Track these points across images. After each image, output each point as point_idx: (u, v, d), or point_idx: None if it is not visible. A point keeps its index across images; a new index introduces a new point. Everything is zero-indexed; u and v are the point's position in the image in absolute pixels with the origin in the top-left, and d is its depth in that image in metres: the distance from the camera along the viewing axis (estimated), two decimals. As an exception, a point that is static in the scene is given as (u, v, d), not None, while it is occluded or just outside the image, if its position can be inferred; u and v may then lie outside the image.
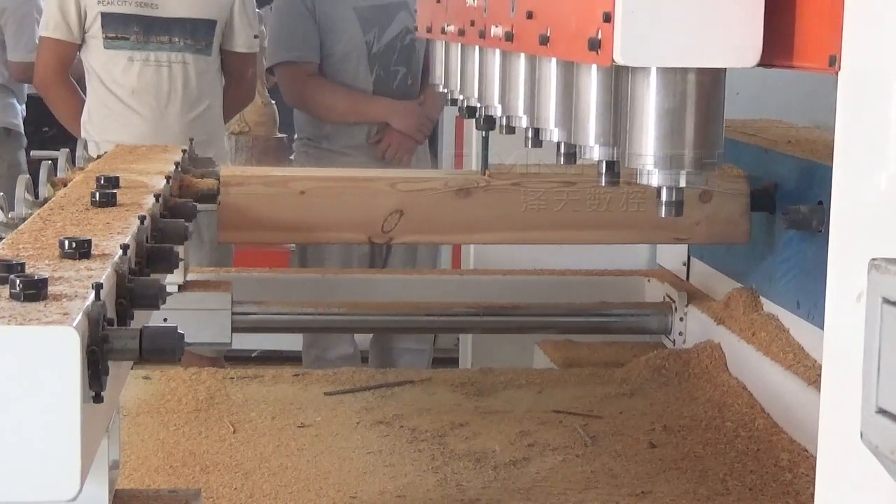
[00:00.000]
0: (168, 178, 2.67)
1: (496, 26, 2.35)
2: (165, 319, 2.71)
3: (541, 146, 2.37)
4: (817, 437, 1.50)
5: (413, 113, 5.28)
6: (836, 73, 1.47)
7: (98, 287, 1.57)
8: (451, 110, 4.46)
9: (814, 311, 3.05)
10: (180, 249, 2.35)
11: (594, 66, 1.93)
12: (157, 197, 2.34)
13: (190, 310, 3.26)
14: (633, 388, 3.37)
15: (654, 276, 3.94)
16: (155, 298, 1.82)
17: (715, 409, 3.15)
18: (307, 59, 5.23)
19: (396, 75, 5.32)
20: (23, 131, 6.99)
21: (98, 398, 1.52)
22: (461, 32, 2.72)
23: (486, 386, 3.41)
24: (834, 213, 1.48)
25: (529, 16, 2.09)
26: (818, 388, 1.74)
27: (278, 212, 3.32)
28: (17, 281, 1.54)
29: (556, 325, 3.75)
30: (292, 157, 5.63)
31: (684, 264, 3.97)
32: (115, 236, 1.96)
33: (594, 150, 1.97)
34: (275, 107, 6.94)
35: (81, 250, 1.79)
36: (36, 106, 6.46)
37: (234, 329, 3.38)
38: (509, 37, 2.24)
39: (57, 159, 2.89)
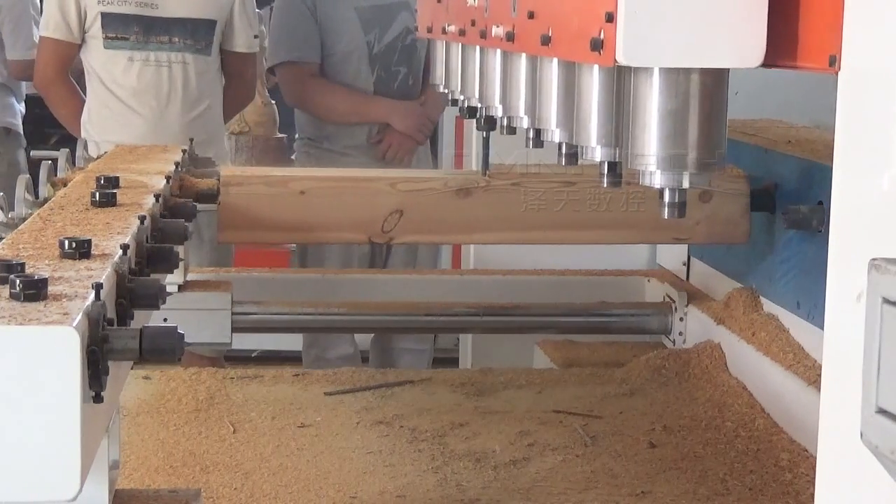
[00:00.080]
0: (168, 178, 2.66)
1: (497, 26, 2.35)
2: (165, 319, 2.71)
3: (542, 147, 2.37)
4: (817, 437, 1.50)
5: (414, 113, 5.27)
6: (836, 73, 1.47)
7: (98, 287, 1.57)
8: (452, 110, 4.45)
9: (814, 311, 3.05)
10: (180, 249, 2.35)
11: (596, 67, 1.92)
12: (157, 197, 2.34)
13: (190, 310, 3.26)
14: (633, 388, 3.37)
15: (654, 276, 3.94)
16: (155, 298, 1.82)
17: (715, 409, 3.15)
18: (308, 59, 5.23)
19: (397, 76, 5.31)
20: (21, 131, 6.97)
21: (98, 398, 1.52)
22: (462, 32, 2.72)
23: (486, 386, 3.41)
24: (834, 213, 1.48)
25: (531, 16, 2.09)
26: (818, 388, 1.74)
27: (278, 212, 3.32)
28: (17, 281, 1.54)
29: (556, 325, 3.74)
30: (293, 157, 5.63)
31: (684, 264, 3.97)
32: (115, 236, 1.96)
33: (596, 151, 1.97)
34: (275, 107, 6.93)
35: (81, 250, 1.79)
36: (35, 106, 6.46)
37: (234, 329, 3.37)
38: (510, 37, 2.24)
39: (57, 159, 2.89)
